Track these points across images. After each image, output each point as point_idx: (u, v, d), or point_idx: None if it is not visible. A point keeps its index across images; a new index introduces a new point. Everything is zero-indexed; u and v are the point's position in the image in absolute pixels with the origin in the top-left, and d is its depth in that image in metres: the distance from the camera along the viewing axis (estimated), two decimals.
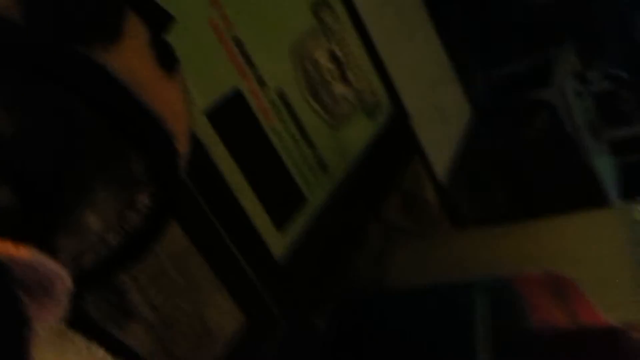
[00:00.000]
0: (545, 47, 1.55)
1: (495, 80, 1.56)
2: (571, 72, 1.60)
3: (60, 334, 0.38)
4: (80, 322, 0.39)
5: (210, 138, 0.68)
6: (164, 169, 0.32)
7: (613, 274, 0.70)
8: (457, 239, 1.11)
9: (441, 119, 1.20)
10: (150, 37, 0.35)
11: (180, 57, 0.36)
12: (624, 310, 0.71)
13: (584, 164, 1.59)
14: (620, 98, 1.93)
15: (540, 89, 1.49)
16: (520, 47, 1.55)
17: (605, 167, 1.68)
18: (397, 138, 1.06)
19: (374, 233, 0.94)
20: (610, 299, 0.69)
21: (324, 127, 0.86)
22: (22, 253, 0.36)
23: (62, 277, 0.39)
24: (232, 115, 0.72)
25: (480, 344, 0.69)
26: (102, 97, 0.30)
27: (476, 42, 1.48)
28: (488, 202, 1.46)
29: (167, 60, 0.36)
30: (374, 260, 0.95)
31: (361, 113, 0.94)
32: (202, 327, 0.64)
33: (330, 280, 0.85)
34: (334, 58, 0.91)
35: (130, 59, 0.33)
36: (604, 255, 0.70)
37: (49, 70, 0.32)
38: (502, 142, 1.50)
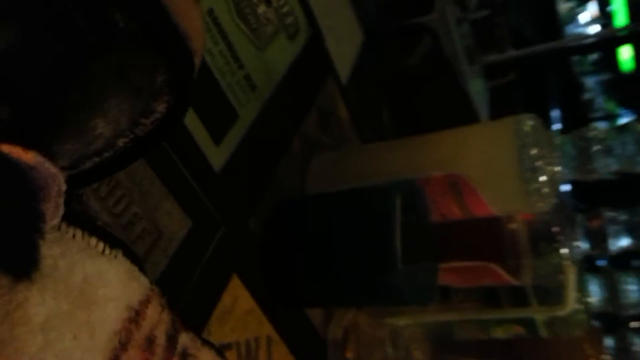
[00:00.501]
0: None
1: (385, 4, 1.63)
2: None
3: (61, 230, 0.44)
4: (77, 219, 0.44)
5: None
6: (184, 82, 0.38)
7: (501, 174, 0.84)
8: (364, 152, 1.21)
9: (339, 41, 1.28)
10: None
11: None
12: (508, 204, 0.86)
13: (460, 86, 1.74)
14: (494, 25, 2.09)
15: (423, 15, 1.59)
16: None
17: (478, 90, 1.85)
18: (314, 59, 1.13)
19: (297, 146, 1.03)
20: (497, 195, 0.84)
21: (252, 48, 0.91)
22: (29, 157, 0.41)
23: (58, 180, 0.44)
24: None
25: (397, 241, 0.81)
26: (140, 8, 0.34)
27: None
28: (378, 121, 1.58)
29: None
30: (297, 170, 1.05)
31: (283, 35, 1.00)
32: (156, 231, 0.70)
33: (261, 188, 0.93)
34: None
35: None
36: (494, 158, 0.84)
37: None
38: (389, 65, 1.61)
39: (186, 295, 0.69)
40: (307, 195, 0.97)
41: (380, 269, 0.78)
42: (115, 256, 0.46)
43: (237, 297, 0.77)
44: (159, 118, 0.40)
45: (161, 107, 0.39)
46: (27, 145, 0.40)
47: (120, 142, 0.41)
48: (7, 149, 0.39)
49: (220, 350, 0.55)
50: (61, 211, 0.44)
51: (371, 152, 1.09)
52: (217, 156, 0.81)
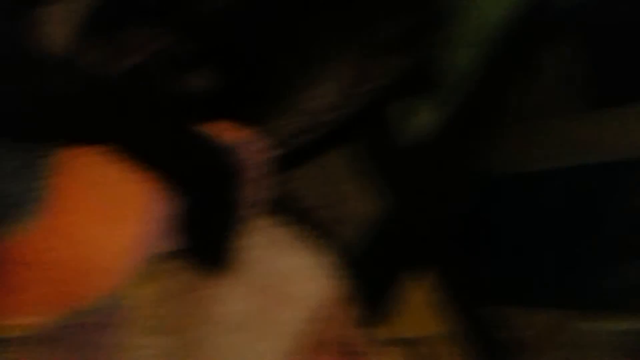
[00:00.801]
0: None
1: None
2: None
3: (262, 218, 0.39)
4: (279, 205, 0.39)
5: None
6: (425, 33, 0.27)
7: None
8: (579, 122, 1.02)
9: None
10: None
11: None
12: None
13: None
14: None
15: None
16: None
17: None
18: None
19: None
20: None
21: None
22: (239, 134, 0.35)
23: (268, 160, 0.38)
24: None
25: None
26: None
27: None
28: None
29: None
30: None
31: None
32: (347, 215, 0.64)
33: (462, 168, 0.83)
34: None
35: None
36: None
37: None
38: None
39: (370, 287, 0.64)
40: (511, 175, 0.85)
41: (608, 263, 0.65)
42: (314, 250, 0.41)
43: (420, 291, 0.71)
44: (385, 85, 0.30)
45: (385, 69, 0.30)
46: (237, 119, 0.35)
47: (341, 113, 0.33)
48: (216, 126, 0.34)
49: (402, 346, 0.50)
50: (266, 196, 0.39)
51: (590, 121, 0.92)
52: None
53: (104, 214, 0.30)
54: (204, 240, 0.34)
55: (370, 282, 0.64)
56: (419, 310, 0.72)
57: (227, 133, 0.35)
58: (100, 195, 0.29)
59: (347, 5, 0.32)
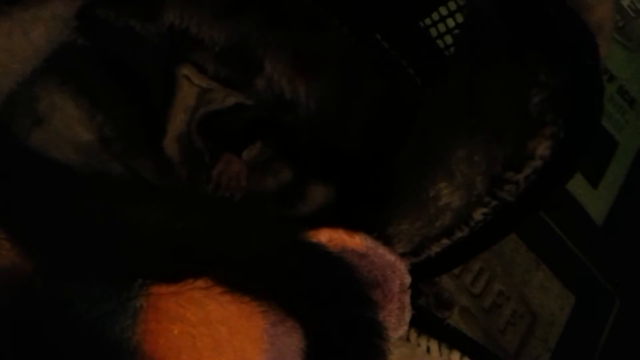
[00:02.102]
0: None
1: None
2: None
3: (411, 342, 0.31)
4: (429, 324, 0.31)
5: None
6: (584, 93, 0.21)
7: None
8: None
9: None
10: None
11: None
12: None
13: None
14: None
15: None
16: None
17: None
18: None
19: None
20: None
21: (622, 51, 0.70)
22: (357, 242, 0.30)
23: (399, 271, 0.32)
24: None
25: None
26: None
27: None
28: None
29: None
30: None
31: None
32: (529, 313, 0.53)
33: None
34: None
35: None
36: None
37: None
38: None
39: None
40: None
41: None
42: None
43: None
44: (540, 167, 0.23)
45: (543, 148, 0.23)
46: (352, 226, 0.30)
47: (478, 214, 0.26)
48: (324, 235, 0.29)
49: None
50: (408, 314, 0.31)
51: None
52: (596, 203, 0.61)
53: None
54: None
55: None
56: None
57: (347, 242, 0.30)
58: (206, 338, 0.25)
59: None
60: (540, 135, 0.22)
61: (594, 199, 0.62)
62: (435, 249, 0.30)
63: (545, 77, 0.20)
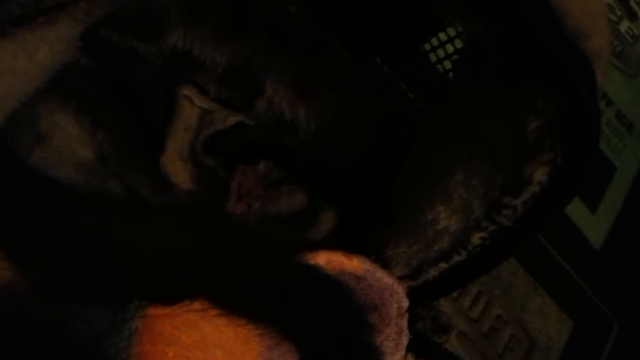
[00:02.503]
0: None
1: None
2: None
3: None
4: (426, 349, 0.31)
5: None
6: (581, 119, 0.21)
7: None
8: None
9: None
10: None
11: None
12: None
13: None
14: None
15: None
16: None
17: None
18: None
19: None
20: None
21: (619, 76, 0.70)
22: (355, 265, 0.30)
23: (396, 294, 0.32)
24: None
25: None
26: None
27: None
28: None
29: None
30: None
31: None
32: (526, 338, 0.53)
33: None
34: None
35: None
36: None
37: None
38: None
39: None
40: None
41: None
42: None
43: None
44: (538, 192, 0.24)
45: (540, 174, 0.23)
46: (349, 249, 0.30)
47: (476, 239, 0.27)
48: (322, 257, 0.29)
49: None
50: (405, 338, 0.31)
51: None
52: (594, 227, 0.61)
53: None
54: None
55: None
56: None
57: (345, 265, 0.30)
58: None
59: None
60: (537, 161, 0.22)
61: (592, 224, 0.62)
62: (433, 272, 0.30)
63: (543, 104, 0.20)
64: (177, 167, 0.35)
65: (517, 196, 0.24)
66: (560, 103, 0.20)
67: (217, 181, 0.34)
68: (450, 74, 0.35)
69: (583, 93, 0.19)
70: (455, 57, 0.35)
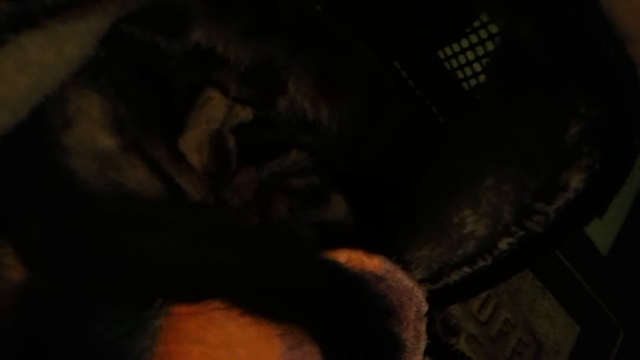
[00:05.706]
0: None
1: None
2: None
3: None
4: (443, 353, 0.30)
5: None
6: (622, 126, 0.21)
7: None
8: None
9: None
10: None
11: None
12: None
13: None
14: None
15: None
16: None
17: None
18: None
19: None
20: None
21: None
22: (376, 264, 0.29)
23: (416, 298, 0.31)
24: None
25: None
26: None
27: None
28: None
29: None
30: None
31: None
32: (534, 342, 0.53)
33: None
34: None
35: None
36: None
37: None
38: None
39: None
40: None
41: None
42: None
43: None
44: (572, 199, 0.23)
45: (577, 180, 0.22)
46: (370, 249, 0.29)
47: (504, 244, 0.26)
48: (343, 255, 0.29)
49: None
50: (423, 343, 0.31)
51: None
52: (601, 233, 0.61)
53: None
54: None
55: None
56: None
57: (366, 264, 0.29)
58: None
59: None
60: (575, 166, 0.22)
61: (600, 229, 0.62)
62: (454, 276, 0.30)
63: (586, 109, 0.20)
64: (194, 150, 0.34)
65: (551, 202, 0.23)
66: (606, 109, 0.20)
67: (226, 170, 0.34)
68: (470, 81, 0.35)
69: (630, 100, 0.19)
70: (475, 63, 0.34)
